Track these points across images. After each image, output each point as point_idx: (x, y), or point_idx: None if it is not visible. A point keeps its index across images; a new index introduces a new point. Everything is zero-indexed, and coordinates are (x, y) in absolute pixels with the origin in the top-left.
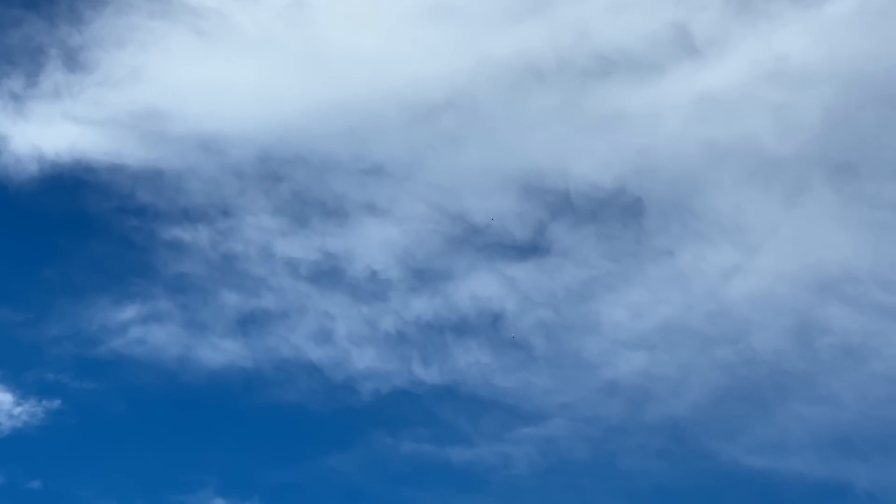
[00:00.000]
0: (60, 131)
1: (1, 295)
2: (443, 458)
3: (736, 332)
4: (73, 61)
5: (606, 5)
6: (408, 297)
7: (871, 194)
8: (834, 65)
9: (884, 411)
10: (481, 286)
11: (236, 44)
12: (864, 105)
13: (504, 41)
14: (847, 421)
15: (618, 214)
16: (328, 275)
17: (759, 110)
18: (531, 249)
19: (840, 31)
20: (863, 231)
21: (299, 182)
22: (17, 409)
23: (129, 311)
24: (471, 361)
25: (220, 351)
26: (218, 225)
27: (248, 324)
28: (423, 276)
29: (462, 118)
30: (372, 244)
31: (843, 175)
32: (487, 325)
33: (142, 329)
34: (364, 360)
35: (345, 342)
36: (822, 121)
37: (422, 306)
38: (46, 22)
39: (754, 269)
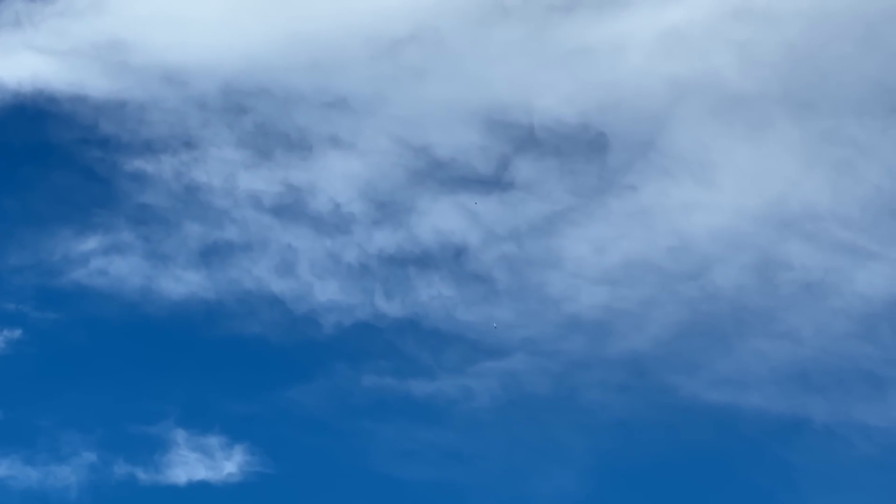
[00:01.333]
0: (22, 61)
1: None
2: (404, 390)
3: (698, 268)
4: None
5: None
6: (371, 230)
7: (833, 131)
8: (798, 2)
9: (842, 346)
10: (444, 220)
11: None
12: (826, 43)
13: None
14: (806, 356)
15: (581, 149)
16: (291, 207)
17: (723, 46)
18: (494, 183)
19: None
20: (824, 168)
21: (263, 114)
22: None
23: (91, 242)
24: (433, 295)
25: (182, 282)
26: (181, 156)
27: (210, 255)
28: (386, 210)
29: (426, 52)
30: (335, 177)
31: (806, 112)
32: (450, 259)
33: (104, 260)
34: (326, 292)
35: (307, 275)
36: (785, 58)
37: (385, 239)
38: None
39: (716, 205)
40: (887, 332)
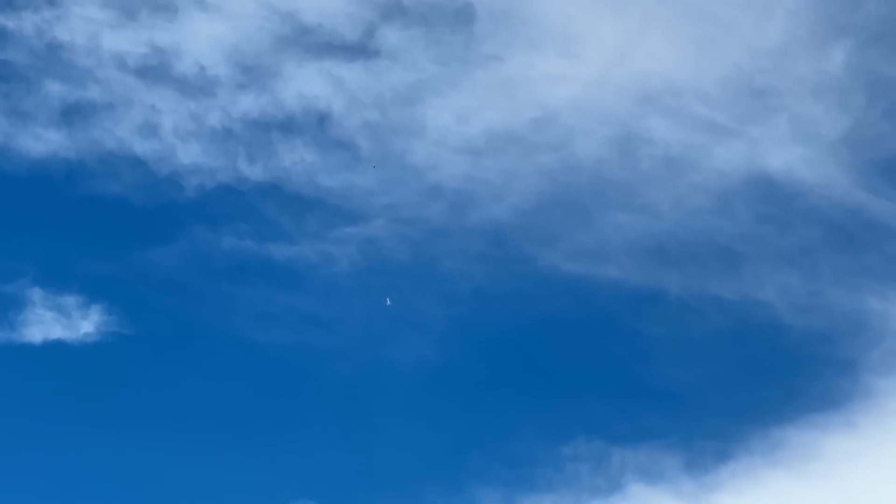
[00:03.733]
0: None
1: None
2: (264, 254)
3: (559, 140)
4: None
5: None
6: (235, 93)
7: (697, 8)
8: None
9: (698, 222)
10: (309, 85)
11: None
12: None
13: None
14: (663, 230)
15: (448, 19)
16: (156, 69)
17: None
18: (360, 50)
19: None
20: (686, 44)
21: None
22: None
23: None
24: (296, 160)
25: (42, 141)
26: (43, 14)
27: (72, 115)
28: (252, 74)
29: None
30: (201, 40)
31: None
32: (314, 125)
33: None
34: (189, 155)
35: (170, 137)
36: None
37: (249, 103)
38: None
39: (580, 78)
40: (742, 209)
